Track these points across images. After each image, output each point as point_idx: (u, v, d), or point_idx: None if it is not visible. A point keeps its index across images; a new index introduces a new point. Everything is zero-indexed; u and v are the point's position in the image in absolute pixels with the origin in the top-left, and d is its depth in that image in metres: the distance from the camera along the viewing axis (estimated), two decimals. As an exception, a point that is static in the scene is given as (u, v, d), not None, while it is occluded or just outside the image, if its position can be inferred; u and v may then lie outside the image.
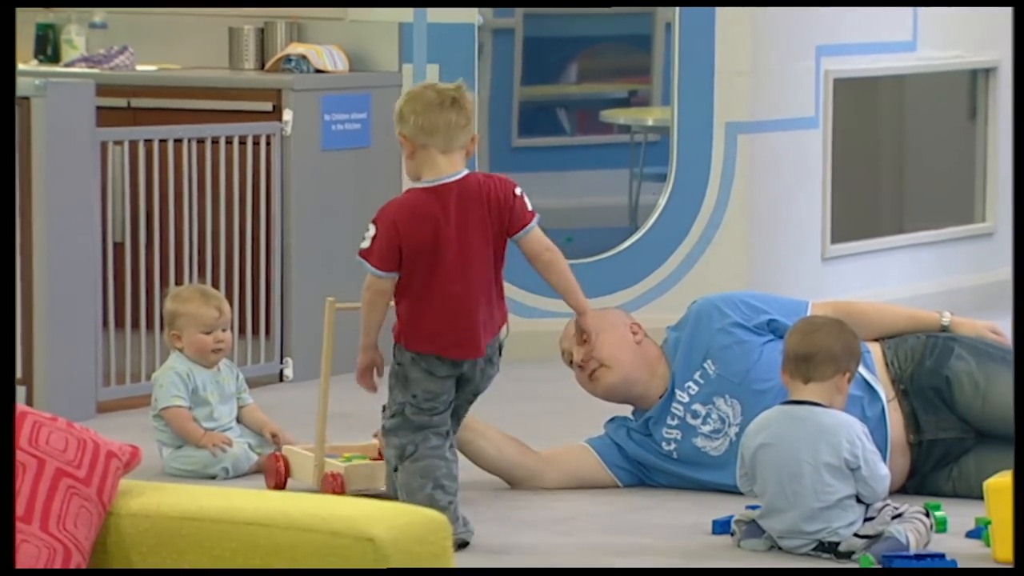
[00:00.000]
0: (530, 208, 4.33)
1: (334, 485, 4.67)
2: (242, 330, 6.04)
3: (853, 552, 4.15)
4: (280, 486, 4.81)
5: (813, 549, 4.18)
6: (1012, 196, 4.23)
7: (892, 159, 8.33)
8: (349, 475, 4.67)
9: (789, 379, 4.28)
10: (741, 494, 4.69)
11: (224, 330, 5.00)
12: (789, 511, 4.18)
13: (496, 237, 4.30)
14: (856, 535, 4.16)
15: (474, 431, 4.69)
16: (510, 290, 6.81)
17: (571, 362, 4.89)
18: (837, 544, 4.16)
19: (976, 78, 7.89)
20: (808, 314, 4.83)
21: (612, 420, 4.96)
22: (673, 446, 4.84)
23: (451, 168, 4.27)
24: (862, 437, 4.20)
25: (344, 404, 5.08)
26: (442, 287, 4.24)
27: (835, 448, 4.16)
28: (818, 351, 4.23)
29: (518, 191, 4.33)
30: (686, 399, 4.83)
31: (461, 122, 4.25)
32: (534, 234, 4.34)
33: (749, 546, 4.26)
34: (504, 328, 4.36)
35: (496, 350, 4.34)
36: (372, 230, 4.27)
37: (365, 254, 4.26)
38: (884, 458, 4.61)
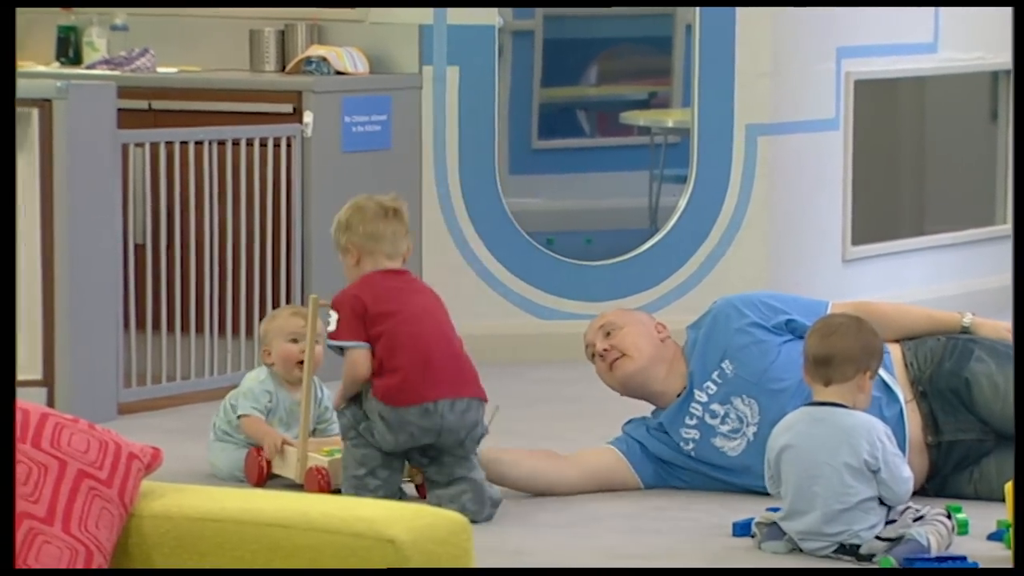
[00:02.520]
0: None
1: (319, 480, 4.68)
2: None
3: (874, 555, 4.15)
4: (261, 482, 4.82)
5: (834, 551, 4.18)
6: (1013, 197, 4.22)
7: (913, 161, 8.31)
8: (334, 469, 4.67)
9: (811, 381, 4.28)
10: (762, 495, 4.69)
11: (316, 342, 4.86)
12: (810, 512, 4.18)
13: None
14: (877, 538, 4.16)
15: (491, 460, 4.68)
16: (528, 291, 6.84)
17: (593, 355, 4.89)
18: (858, 547, 4.15)
19: (998, 80, 7.88)
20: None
21: (631, 421, 4.96)
22: (692, 446, 4.84)
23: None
24: (883, 439, 4.19)
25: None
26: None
27: (855, 449, 4.15)
28: (836, 353, 4.23)
29: None
30: (704, 399, 4.83)
31: (401, 231, 4.61)
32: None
33: (770, 548, 4.25)
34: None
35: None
36: (334, 315, 4.53)
37: (334, 336, 4.52)
38: (903, 459, 4.62)
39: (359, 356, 4.47)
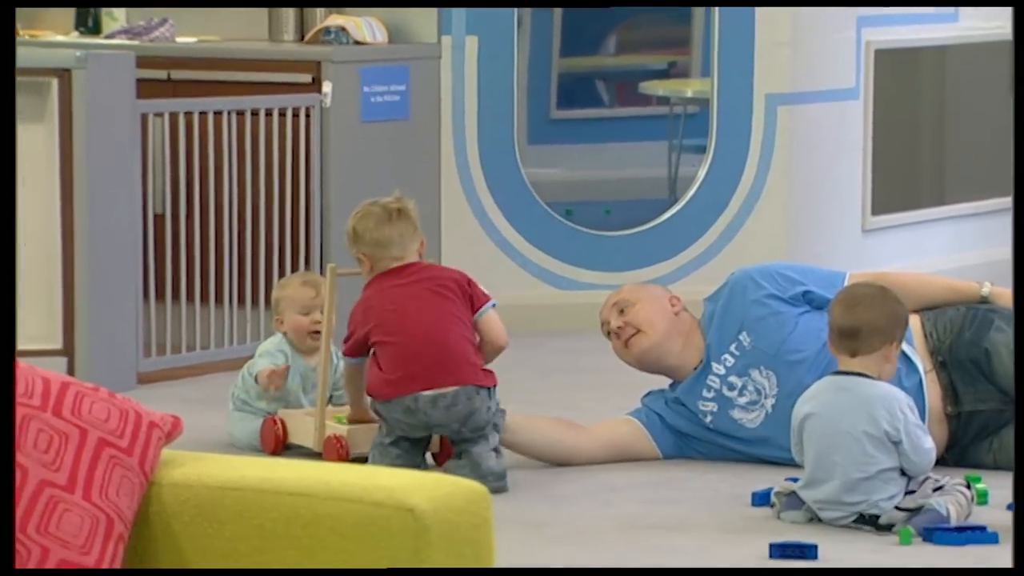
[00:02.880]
0: (487, 292, 4.66)
1: (338, 448, 4.69)
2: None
3: (893, 525, 4.15)
4: (277, 450, 4.83)
5: (853, 521, 4.18)
6: (1013, 198, 4.22)
7: (933, 130, 8.28)
8: (352, 437, 4.68)
9: (836, 352, 4.27)
10: (781, 465, 4.69)
11: (323, 312, 4.90)
12: (829, 481, 4.18)
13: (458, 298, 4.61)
14: (897, 508, 4.15)
15: (515, 431, 4.69)
16: (547, 261, 6.84)
17: (609, 332, 4.90)
18: (877, 517, 4.15)
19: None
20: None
21: (649, 393, 4.96)
22: (710, 418, 4.84)
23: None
24: (905, 410, 4.18)
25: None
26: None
27: (875, 419, 4.15)
28: (862, 325, 4.22)
29: (474, 280, 4.67)
30: (722, 371, 4.83)
31: (410, 230, 4.66)
32: (489, 318, 4.63)
33: (789, 518, 4.25)
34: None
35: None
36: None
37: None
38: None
39: (349, 368, 4.67)
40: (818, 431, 4.20)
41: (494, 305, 4.63)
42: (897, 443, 4.15)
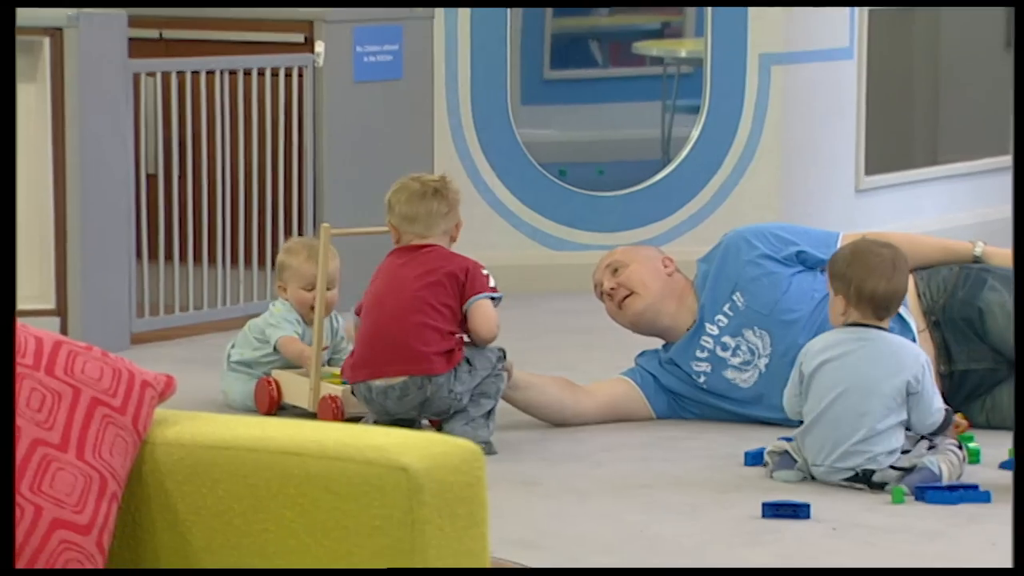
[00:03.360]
0: (490, 284, 4.57)
1: (333, 408, 4.70)
2: (274, 262, 6.05)
3: (887, 483, 4.15)
4: (272, 410, 4.84)
5: (846, 479, 4.19)
6: (1013, 195, 4.23)
7: (927, 90, 8.27)
8: (347, 397, 4.69)
9: (860, 316, 4.25)
10: (774, 426, 4.70)
11: (330, 288, 4.89)
12: (837, 430, 4.17)
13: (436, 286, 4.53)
14: (891, 467, 4.16)
15: (517, 387, 4.69)
16: (540, 222, 6.83)
17: (602, 294, 4.90)
18: (872, 472, 4.16)
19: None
20: (840, 246, 4.84)
21: (643, 354, 4.96)
22: (703, 379, 4.84)
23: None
24: (926, 366, 4.20)
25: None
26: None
27: (900, 369, 4.16)
28: (900, 291, 4.27)
29: (479, 269, 4.58)
30: (716, 331, 4.83)
31: (443, 210, 4.60)
32: (478, 307, 4.53)
33: (781, 477, 4.26)
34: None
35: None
36: None
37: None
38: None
39: (352, 328, 4.74)
40: (834, 375, 4.19)
41: (494, 298, 4.54)
42: (913, 394, 4.16)
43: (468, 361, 4.51)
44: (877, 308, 4.23)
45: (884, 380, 4.16)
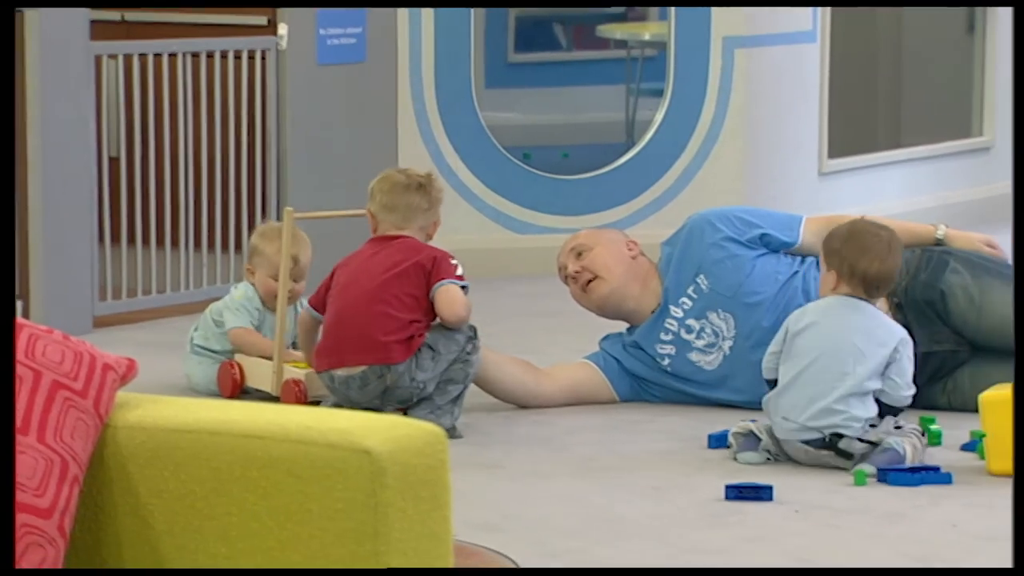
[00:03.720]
0: (457, 272, 4.55)
1: (296, 392, 4.69)
2: (237, 245, 6.04)
3: (852, 455, 4.17)
4: (235, 394, 4.82)
5: (814, 442, 4.19)
6: (1013, 199, 4.25)
7: (890, 73, 8.30)
8: (310, 381, 4.69)
9: (850, 291, 4.27)
10: (737, 408, 4.71)
11: (297, 280, 4.89)
12: (813, 387, 4.19)
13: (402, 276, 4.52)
14: (859, 440, 4.18)
15: (482, 366, 4.68)
16: (504, 205, 6.83)
17: (567, 277, 4.90)
18: (840, 439, 4.17)
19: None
20: (803, 229, 4.86)
21: (607, 337, 4.97)
22: (667, 361, 4.85)
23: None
24: (908, 343, 4.24)
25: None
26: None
27: (888, 338, 4.20)
28: (892, 273, 4.30)
29: (447, 259, 4.57)
30: (680, 314, 4.84)
31: (423, 206, 4.62)
32: (443, 291, 4.51)
33: (745, 459, 4.28)
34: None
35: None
36: None
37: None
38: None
39: (305, 318, 4.71)
40: (818, 336, 4.22)
41: (462, 287, 4.53)
42: (891, 364, 4.18)
43: (431, 347, 4.50)
44: (868, 287, 4.27)
45: (869, 348, 4.19)
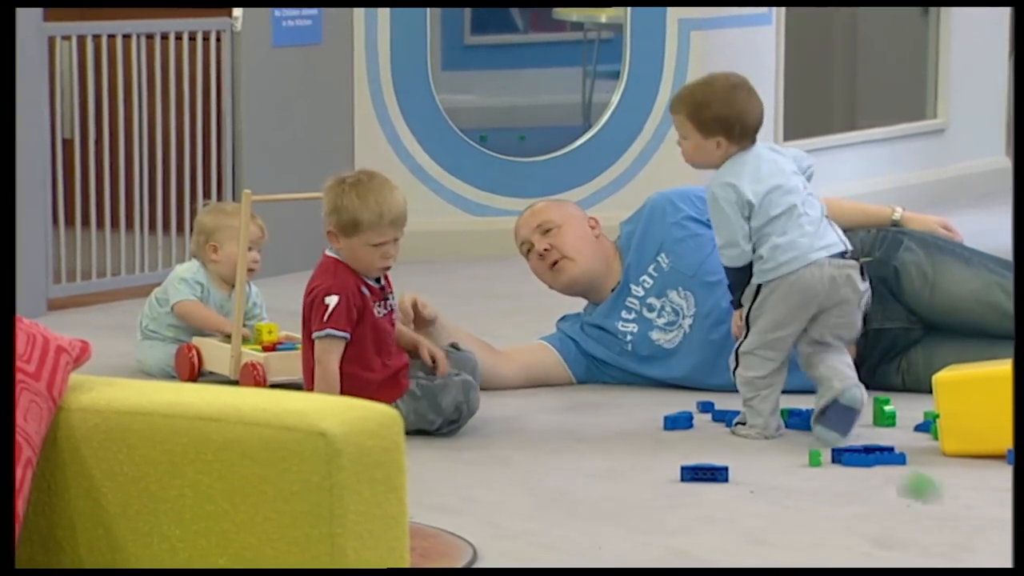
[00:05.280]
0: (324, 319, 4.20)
1: (255, 375, 4.66)
2: (192, 228, 6.02)
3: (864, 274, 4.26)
4: (193, 378, 4.80)
5: (837, 255, 4.25)
6: (1013, 199, 4.28)
7: (844, 56, 8.32)
8: (270, 365, 4.66)
9: (740, 147, 4.28)
10: (692, 389, 4.73)
11: (259, 251, 4.86)
12: (807, 222, 4.27)
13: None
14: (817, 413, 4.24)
15: (438, 329, 4.67)
16: (461, 188, 6.82)
17: (528, 251, 4.89)
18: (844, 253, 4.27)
19: (925, 6, 7.88)
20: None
21: (564, 318, 4.97)
22: (629, 338, 4.86)
23: None
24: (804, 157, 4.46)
25: (291, 302, 5.07)
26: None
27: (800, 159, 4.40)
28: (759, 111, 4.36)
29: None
30: (641, 293, 4.85)
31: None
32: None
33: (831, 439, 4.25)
34: None
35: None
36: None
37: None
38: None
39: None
40: (783, 194, 4.28)
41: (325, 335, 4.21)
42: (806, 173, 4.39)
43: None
44: (745, 131, 4.28)
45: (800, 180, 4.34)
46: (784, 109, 7.16)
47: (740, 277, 4.28)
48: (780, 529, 3.72)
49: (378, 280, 4.27)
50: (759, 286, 4.27)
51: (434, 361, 4.34)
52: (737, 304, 4.32)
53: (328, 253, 4.27)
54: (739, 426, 4.34)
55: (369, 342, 4.23)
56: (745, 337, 4.28)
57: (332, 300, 4.17)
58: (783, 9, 7.09)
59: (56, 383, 2.46)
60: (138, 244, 5.98)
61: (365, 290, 4.23)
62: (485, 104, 7.58)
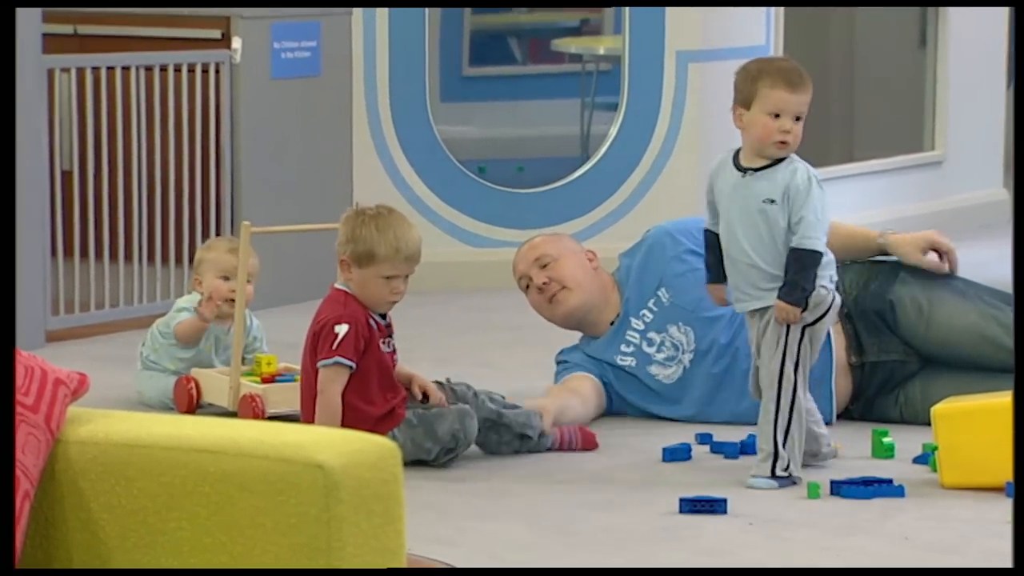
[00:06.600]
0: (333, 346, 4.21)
1: (253, 407, 4.66)
2: (191, 259, 6.02)
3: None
4: (191, 409, 4.80)
5: None
6: (1013, 206, 4.29)
7: (842, 88, 8.34)
8: (268, 397, 4.66)
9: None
10: (691, 423, 4.72)
11: (253, 284, 4.83)
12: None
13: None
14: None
15: (556, 418, 4.56)
16: (459, 219, 6.83)
17: (527, 287, 4.89)
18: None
19: (926, 6, 7.90)
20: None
21: (564, 351, 4.95)
22: (628, 373, 4.85)
23: None
24: None
25: (290, 333, 5.07)
26: None
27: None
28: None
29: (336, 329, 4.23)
30: (641, 327, 4.85)
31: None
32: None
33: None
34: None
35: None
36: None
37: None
38: (829, 379, 4.68)
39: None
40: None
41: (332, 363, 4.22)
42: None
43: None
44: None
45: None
46: (782, 141, 7.17)
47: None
48: (779, 561, 3.71)
49: (384, 316, 4.28)
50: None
51: (425, 394, 4.34)
52: (805, 297, 4.20)
53: (337, 286, 4.28)
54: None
55: (373, 375, 4.24)
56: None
57: (342, 329, 4.19)
58: (780, 41, 7.11)
59: (54, 415, 2.46)
60: (137, 276, 5.98)
61: (372, 323, 4.25)
62: (483, 135, 7.59)
